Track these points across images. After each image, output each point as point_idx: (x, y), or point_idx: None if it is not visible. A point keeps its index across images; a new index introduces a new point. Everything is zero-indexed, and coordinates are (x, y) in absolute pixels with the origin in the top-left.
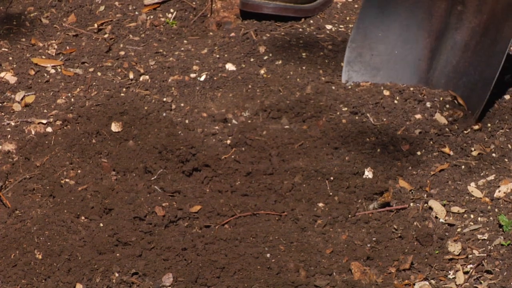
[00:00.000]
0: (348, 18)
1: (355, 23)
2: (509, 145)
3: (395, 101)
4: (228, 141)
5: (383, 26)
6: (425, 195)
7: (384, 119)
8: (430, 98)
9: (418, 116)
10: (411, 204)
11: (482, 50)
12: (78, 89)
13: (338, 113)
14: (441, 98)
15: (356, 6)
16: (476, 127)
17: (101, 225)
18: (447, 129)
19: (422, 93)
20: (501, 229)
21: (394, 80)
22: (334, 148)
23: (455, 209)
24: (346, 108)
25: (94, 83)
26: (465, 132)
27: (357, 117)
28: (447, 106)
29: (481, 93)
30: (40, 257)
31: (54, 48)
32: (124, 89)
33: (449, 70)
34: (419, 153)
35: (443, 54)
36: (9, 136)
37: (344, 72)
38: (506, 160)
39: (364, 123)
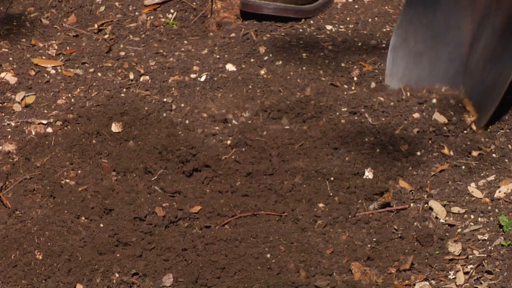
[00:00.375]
0: (348, 18)
1: (402, 9)
2: (509, 146)
3: (395, 101)
4: (228, 142)
5: (428, 12)
6: (425, 196)
7: (383, 119)
8: (435, 98)
9: (416, 115)
10: (411, 204)
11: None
12: (78, 89)
13: (337, 113)
14: (451, 101)
15: (356, 6)
16: (480, 131)
17: (101, 225)
18: (446, 129)
19: (428, 94)
20: (501, 230)
21: (435, 66)
22: (334, 148)
23: (455, 209)
24: (345, 109)
25: (94, 84)
26: (465, 132)
27: (356, 117)
28: (451, 107)
29: (501, 82)
30: (40, 257)
31: (55, 49)
32: (124, 90)
33: (486, 56)
34: (419, 153)
35: (482, 39)
36: (9, 136)
37: (388, 57)
38: (506, 160)
39: (363, 123)
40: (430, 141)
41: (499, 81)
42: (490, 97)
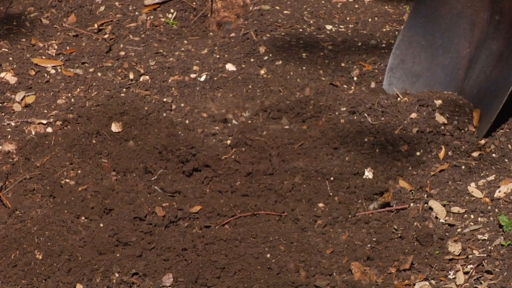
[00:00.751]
0: (348, 18)
1: (401, 31)
2: (509, 145)
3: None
4: (228, 141)
5: (427, 35)
6: (425, 196)
7: (382, 118)
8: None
9: (414, 115)
10: (411, 204)
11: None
12: (78, 89)
13: (337, 113)
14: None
15: (356, 6)
16: (482, 141)
17: (101, 225)
18: (446, 129)
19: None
20: (501, 230)
21: (432, 88)
22: (333, 148)
23: (455, 209)
24: (344, 108)
25: (94, 84)
26: (465, 132)
27: (355, 117)
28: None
29: (495, 106)
30: (40, 257)
31: (54, 49)
32: (124, 90)
33: (482, 79)
34: (418, 153)
35: (479, 63)
36: (9, 136)
37: (386, 78)
38: (506, 160)
39: (362, 122)
40: (429, 141)
41: (493, 105)
42: (484, 120)
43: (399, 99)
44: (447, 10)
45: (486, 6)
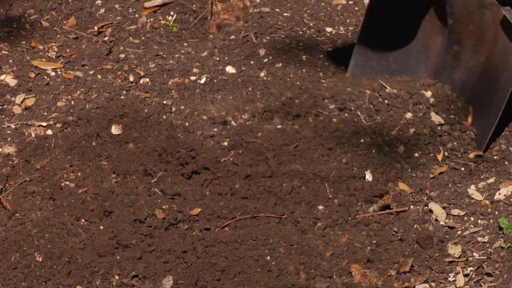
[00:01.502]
0: (348, 20)
1: (354, 49)
2: (510, 148)
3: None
4: (226, 143)
5: (381, 59)
6: (425, 198)
7: (378, 117)
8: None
9: (410, 115)
10: (411, 206)
11: (480, 93)
12: (78, 91)
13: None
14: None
15: (356, 8)
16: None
17: (101, 227)
18: (445, 130)
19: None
20: (501, 232)
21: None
22: (329, 148)
23: (455, 211)
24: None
25: (94, 86)
26: (464, 134)
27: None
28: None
29: (481, 138)
30: (40, 259)
31: (54, 51)
32: (124, 92)
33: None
34: (416, 154)
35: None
36: (9, 138)
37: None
38: (506, 162)
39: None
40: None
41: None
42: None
43: (387, 90)
44: (399, 31)
45: (439, 30)
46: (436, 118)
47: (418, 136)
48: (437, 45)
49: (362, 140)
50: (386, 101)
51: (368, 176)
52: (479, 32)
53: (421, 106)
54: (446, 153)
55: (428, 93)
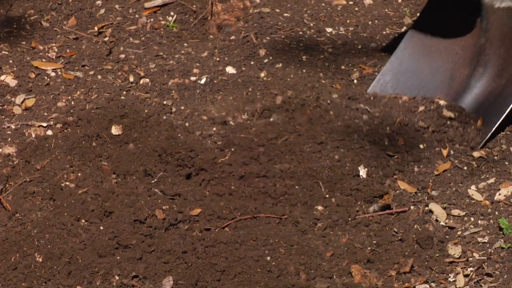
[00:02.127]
0: (348, 21)
1: (385, 67)
2: (510, 148)
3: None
4: (220, 142)
5: (405, 88)
6: (426, 198)
7: (377, 114)
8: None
9: (421, 108)
10: (412, 207)
11: (491, 108)
12: (78, 92)
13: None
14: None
15: (356, 9)
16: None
17: (102, 228)
18: (447, 129)
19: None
20: (501, 232)
21: None
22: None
23: (455, 212)
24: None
25: (95, 86)
26: (466, 133)
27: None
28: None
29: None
30: (40, 260)
31: (55, 51)
32: (124, 92)
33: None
34: (421, 146)
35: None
36: (9, 139)
37: None
38: (507, 163)
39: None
40: (431, 140)
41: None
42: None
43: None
44: (427, 62)
45: (468, 63)
46: (447, 114)
47: (425, 129)
48: (462, 77)
49: (360, 132)
50: (399, 101)
51: (362, 173)
52: (507, 55)
53: (433, 105)
54: (451, 151)
55: (442, 101)
